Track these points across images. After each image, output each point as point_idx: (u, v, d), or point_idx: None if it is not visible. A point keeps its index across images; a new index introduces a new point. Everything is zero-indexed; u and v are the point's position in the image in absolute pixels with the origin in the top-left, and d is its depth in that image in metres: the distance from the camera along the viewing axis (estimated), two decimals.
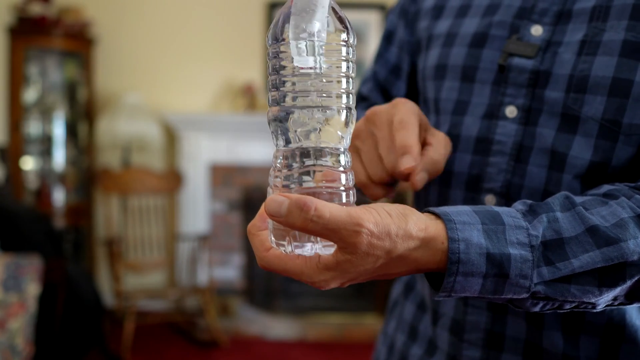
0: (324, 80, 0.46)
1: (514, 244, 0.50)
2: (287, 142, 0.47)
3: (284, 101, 0.46)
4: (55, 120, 3.89)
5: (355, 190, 0.48)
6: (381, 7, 4.16)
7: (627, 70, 0.61)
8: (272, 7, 4.13)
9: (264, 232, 0.49)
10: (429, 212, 0.51)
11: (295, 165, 0.46)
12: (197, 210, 4.05)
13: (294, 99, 0.46)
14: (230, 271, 4.12)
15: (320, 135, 0.46)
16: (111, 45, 4.07)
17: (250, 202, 4.07)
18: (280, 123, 0.47)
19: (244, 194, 4.09)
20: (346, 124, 0.47)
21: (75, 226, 3.94)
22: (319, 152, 0.47)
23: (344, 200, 0.47)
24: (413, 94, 0.87)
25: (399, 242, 0.46)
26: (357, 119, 0.78)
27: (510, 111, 0.68)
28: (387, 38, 0.89)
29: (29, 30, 3.72)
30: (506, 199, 0.67)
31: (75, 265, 3.40)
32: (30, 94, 3.84)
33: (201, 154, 4.02)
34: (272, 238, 0.47)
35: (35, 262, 2.28)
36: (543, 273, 0.51)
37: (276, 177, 0.47)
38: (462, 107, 0.72)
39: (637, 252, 0.51)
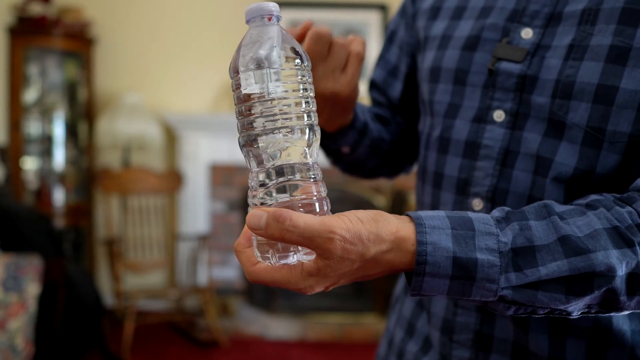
0: (285, 105, 0.50)
1: (482, 249, 0.51)
2: (260, 163, 0.51)
3: (251, 127, 0.50)
4: (55, 120, 3.89)
5: (328, 200, 0.52)
6: (381, 7, 4.16)
7: (613, 76, 0.60)
8: None
9: (249, 249, 0.52)
10: (406, 215, 0.53)
11: (269, 183, 0.50)
12: (197, 210, 4.05)
13: (260, 124, 0.50)
14: (230, 271, 4.12)
15: (288, 153, 0.50)
16: (111, 45, 4.07)
17: None
18: (250, 147, 0.51)
19: (244, 194, 4.09)
20: (310, 140, 0.51)
21: (75, 226, 3.94)
22: (290, 169, 0.50)
23: (318, 210, 0.50)
24: (410, 95, 0.87)
25: (370, 246, 0.49)
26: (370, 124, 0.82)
27: (498, 115, 0.68)
28: (390, 38, 0.90)
29: (29, 30, 3.71)
30: (492, 203, 0.68)
31: (75, 265, 3.40)
32: (30, 94, 3.84)
33: (201, 154, 4.02)
34: (258, 253, 0.51)
35: (35, 262, 2.28)
36: (511, 278, 0.52)
37: (254, 196, 0.51)
38: (453, 110, 0.72)
39: (605, 263, 0.52)
